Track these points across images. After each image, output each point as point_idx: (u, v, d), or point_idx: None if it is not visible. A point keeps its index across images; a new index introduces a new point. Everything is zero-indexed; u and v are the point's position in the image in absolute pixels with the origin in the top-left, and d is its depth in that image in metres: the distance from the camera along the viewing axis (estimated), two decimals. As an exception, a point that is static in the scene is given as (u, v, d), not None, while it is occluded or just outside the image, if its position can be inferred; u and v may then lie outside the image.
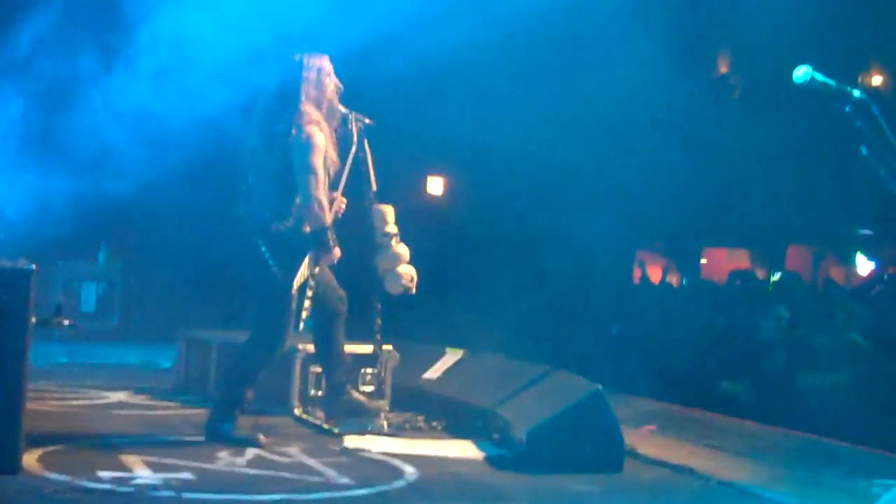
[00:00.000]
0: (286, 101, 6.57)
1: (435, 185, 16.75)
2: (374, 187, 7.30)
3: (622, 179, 16.16)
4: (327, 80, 6.70)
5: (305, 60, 6.68)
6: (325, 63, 6.73)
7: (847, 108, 4.18)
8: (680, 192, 17.06)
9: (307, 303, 6.55)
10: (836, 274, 20.32)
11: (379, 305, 7.47)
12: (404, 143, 12.53)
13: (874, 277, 18.75)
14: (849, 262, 22.07)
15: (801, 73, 4.17)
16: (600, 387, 6.43)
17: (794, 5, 13.72)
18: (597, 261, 16.05)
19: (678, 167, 16.72)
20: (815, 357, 9.58)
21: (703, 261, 23.03)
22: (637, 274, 17.41)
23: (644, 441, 7.15)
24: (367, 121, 7.09)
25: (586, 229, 15.64)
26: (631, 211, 16.88)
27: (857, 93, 4.17)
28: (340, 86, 6.81)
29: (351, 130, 7.04)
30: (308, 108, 6.55)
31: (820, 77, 4.19)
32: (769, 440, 7.44)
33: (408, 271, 7.38)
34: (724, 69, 20.79)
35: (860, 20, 17.22)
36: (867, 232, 21.38)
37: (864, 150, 4.13)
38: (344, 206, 6.91)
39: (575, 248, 15.65)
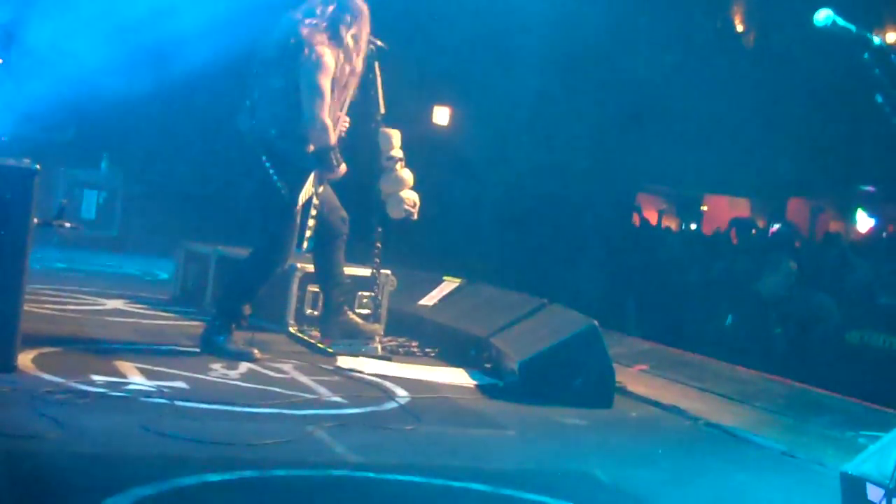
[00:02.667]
0: (308, 23, 6.54)
1: (441, 115, 16.68)
2: (383, 110, 7.26)
3: (627, 119, 16.10)
4: (359, 24, 6.66)
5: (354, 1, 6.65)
6: (365, 9, 6.70)
7: (865, 55, 4.13)
8: (684, 136, 17.03)
9: (311, 221, 6.56)
10: (836, 228, 20.36)
11: (380, 229, 7.45)
12: (411, 71, 12.46)
13: (874, 234, 18.81)
14: (849, 218, 22.10)
15: (823, 16, 4.12)
16: (595, 322, 6.45)
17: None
18: (597, 198, 16.05)
19: (685, 112, 16.67)
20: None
21: (704, 207, 23.07)
22: (637, 219, 17.41)
23: (635, 379, 7.20)
24: (378, 43, 7.02)
25: (589, 164, 15.64)
26: (634, 151, 16.86)
27: (877, 40, 4.12)
28: (373, 42, 6.80)
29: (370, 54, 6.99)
30: (327, 34, 6.51)
31: (841, 21, 4.14)
32: (759, 386, 7.48)
33: (411, 196, 7.34)
34: (737, 19, 20.64)
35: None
36: (869, 188, 21.37)
37: (879, 98, 4.10)
38: (347, 125, 6.87)
39: (577, 183, 15.66)
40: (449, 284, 8.24)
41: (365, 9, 6.75)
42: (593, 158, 16.26)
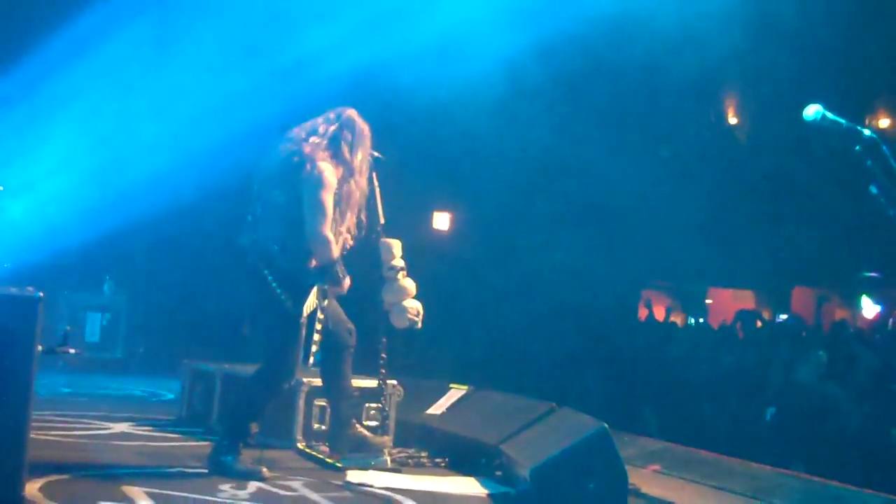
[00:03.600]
0: (310, 140, 6.64)
1: (441, 221, 16.78)
2: (382, 220, 7.31)
3: (629, 218, 16.18)
4: (361, 144, 6.78)
5: (355, 120, 6.77)
6: (366, 129, 6.82)
7: (857, 147, 4.17)
8: (685, 231, 17.09)
9: (316, 336, 6.56)
10: (842, 316, 20.27)
11: (385, 339, 7.44)
12: (410, 178, 12.57)
13: (880, 320, 18.71)
14: (854, 305, 22.04)
15: (812, 111, 4.17)
16: (605, 425, 6.39)
17: (800, 50, 13.79)
18: (601, 297, 16.04)
19: (684, 207, 16.75)
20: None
21: (709, 301, 23.03)
22: (643, 313, 17.36)
23: (648, 481, 7.10)
24: (375, 153, 7.10)
25: (590, 264, 15.66)
26: (635, 249, 16.91)
27: (867, 132, 4.17)
28: (372, 156, 6.90)
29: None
30: (329, 152, 6.61)
31: (831, 115, 4.19)
32: (774, 481, 7.38)
33: (414, 305, 7.35)
34: (730, 112, 20.86)
35: (866, 62, 17.29)
36: (874, 274, 21.35)
37: (873, 190, 4.12)
38: (351, 241, 6.92)
39: (580, 283, 15.66)
40: (456, 392, 8.19)
41: (366, 129, 6.87)
42: (595, 257, 16.30)
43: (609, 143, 15.33)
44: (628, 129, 16.49)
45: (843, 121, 4.18)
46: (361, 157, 6.81)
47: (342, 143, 6.71)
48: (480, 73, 11.63)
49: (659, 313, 18.80)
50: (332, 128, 6.73)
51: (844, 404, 9.26)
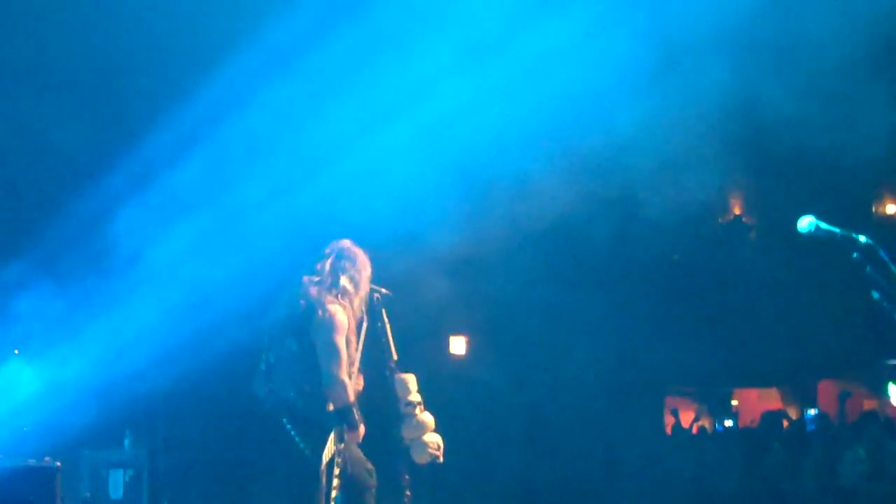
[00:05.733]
0: (315, 282, 6.67)
1: (457, 345, 16.74)
2: (395, 357, 7.29)
3: (643, 328, 16.11)
4: (364, 275, 6.81)
5: (349, 248, 6.82)
6: (367, 263, 6.86)
7: (855, 255, 4.20)
8: (705, 333, 17.00)
9: (336, 481, 6.50)
10: (870, 406, 20.03)
11: (407, 476, 7.36)
12: (424, 304, 12.59)
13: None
14: (882, 394, 21.78)
15: (806, 223, 4.21)
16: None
17: (806, 147, 13.86)
18: (626, 408, 15.90)
19: (702, 306, 16.69)
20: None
21: (735, 402, 22.79)
22: (670, 422, 17.19)
23: None
24: (383, 291, 7.12)
25: (612, 375, 15.54)
26: (657, 355, 16.80)
27: (862, 238, 4.20)
28: (378, 290, 6.94)
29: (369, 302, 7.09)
30: (333, 291, 6.64)
31: (825, 226, 4.23)
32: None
33: (434, 439, 7.28)
34: (737, 210, 20.94)
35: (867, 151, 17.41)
36: (896, 362, 21.14)
37: (875, 295, 4.14)
38: (362, 382, 6.91)
39: (602, 396, 15.53)
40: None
41: (361, 253, 6.88)
42: (616, 368, 16.21)
43: (615, 252, 15.34)
44: (640, 227, 16.47)
45: (836, 229, 4.22)
46: (359, 281, 6.80)
47: (341, 275, 6.72)
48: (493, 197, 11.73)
49: (686, 419, 18.65)
50: (328, 262, 6.73)
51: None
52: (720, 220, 20.13)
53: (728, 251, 18.53)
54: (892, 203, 22.32)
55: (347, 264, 6.78)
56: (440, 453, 7.28)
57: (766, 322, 17.95)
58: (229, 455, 12.23)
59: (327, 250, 6.87)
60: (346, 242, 6.93)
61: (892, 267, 4.06)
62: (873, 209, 22.17)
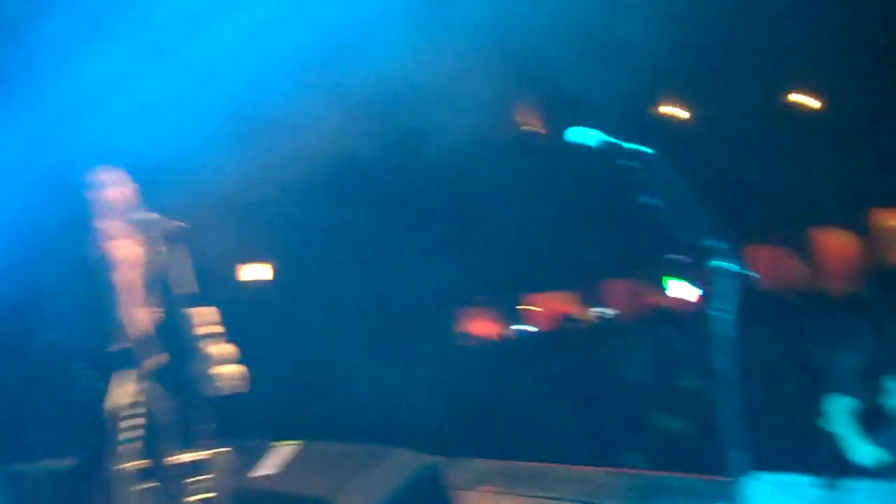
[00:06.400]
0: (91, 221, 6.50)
1: (252, 273, 16.62)
2: (190, 290, 7.16)
3: (433, 248, 16.27)
4: (138, 210, 6.62)
5: (119, 184, 6.59)
6: (135, 196, 6.67)
7: (624, 161, 4.34)
8: (492, 246, 17.33)
9: (138, 419, 6.40)
10: (659, 302, 20.92)
11: (206, 410, 7.29)
12: (214, 236, 12.35)
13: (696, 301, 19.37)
14: (662, 288, 22.78)
15: (582, 134, 4.31)
16: (433, 459, 6.46)
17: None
18: (422, 326, 16.11)
19: (488, 223, 16.97)
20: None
21: (533, 308, 23.37)
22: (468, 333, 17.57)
23: (481, 502, 7.20)
24: (173, 223, 6.92)
25: (408, 299, 15.69)
26: (450, 272, 17.04)
27: (640, 147, 4.35)
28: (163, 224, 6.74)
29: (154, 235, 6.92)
30: (112, 228, 6.47)
31: (603, 137, 4.35)
32: (604, 481, 7.59)
33: (236, 370, 7.24)
34: (524, 119, 21.31)
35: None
36: (679, 257, 22.06)
37: (648, 200, 4.29)
38: (156, 317, 6.78)
39: (401, 318, 15.68)
40: (286, 449, 8.10)
41: (132, 188, 6.65)
42: (412, 286, 16.36)
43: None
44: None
45: (607, 137, 4.34)
46: (142, 221, 6.63)
47: (116, 212, 6.54)
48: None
49: (485, 327, 19.11)
50: (101, 198, 6.55)
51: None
52: (497, 133, 20.44)
53: (508, 162, 18.84)
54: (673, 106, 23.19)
55: (117, 199, 6.58)
56: (243, 382, 7.24)
57: (551, 228, 18.43)
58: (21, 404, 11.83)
59: (97, 189, 6.66)
60: (116, 176, 6.70)
61: (670, 170, 4.23)
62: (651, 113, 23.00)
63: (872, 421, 6.55)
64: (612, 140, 4.30)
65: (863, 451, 6.32)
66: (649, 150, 4.33)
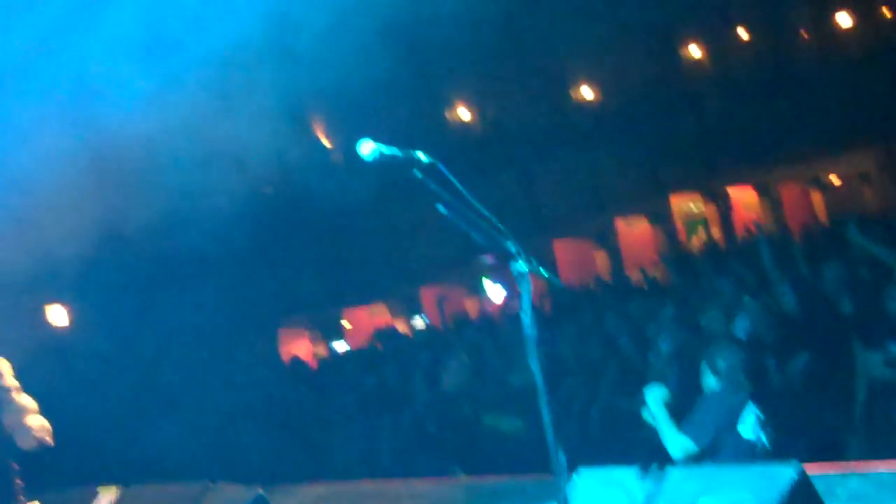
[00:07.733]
0: None
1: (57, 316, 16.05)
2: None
3: (244, 266, 16.04)
4: None
5: None
6: None
7: (417, 174, 4.35)
8: (306, 261, 17.22)
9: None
10: (471, 306, 21.18)
11: (16, 465, 6.97)
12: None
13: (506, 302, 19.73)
14: (478, 291, 23.11)
15: (368, 149, 4.29)
16: (261, 490, 6.34)
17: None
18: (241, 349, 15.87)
19: (300, 238, 16.84)
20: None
21: (345, 323, 23.26)
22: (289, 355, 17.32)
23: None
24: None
25: (222, 322, 15.40)
26: (264, 291, 16.84)
27: (424, 157, 4.35)
28: None
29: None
30: None
31: (387, 150, 4.33)
32: (441, 493, 7.60)
33: (39, 422, 6.93)
34: (319, 137, 21.27)
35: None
36: (488, 258, 22.39)
37: (441, 208, 4.32)
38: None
39: (217, 343, 15.38)
40: (105, 496, 7.83)
41: None
42: (226, 309, 16.05)
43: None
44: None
45: (398, 151, 4.34)
46: None
47: None
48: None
49: (302, 347, 18.91)
50: None
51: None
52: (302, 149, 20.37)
53: (316, 178, 18.77)
54: (463, 108, 23.55)
55: None
56: (49, 436, 6.95)
57: (362, 240, 18.45)
58: None
59: None
60: None
61: (454, 180, 4.24)
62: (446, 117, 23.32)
63: (688, 405, 6.77)
64: (388, 152, 4.29)
65: (675, 439, 6.51)
66: (426, 159, 4.34)
